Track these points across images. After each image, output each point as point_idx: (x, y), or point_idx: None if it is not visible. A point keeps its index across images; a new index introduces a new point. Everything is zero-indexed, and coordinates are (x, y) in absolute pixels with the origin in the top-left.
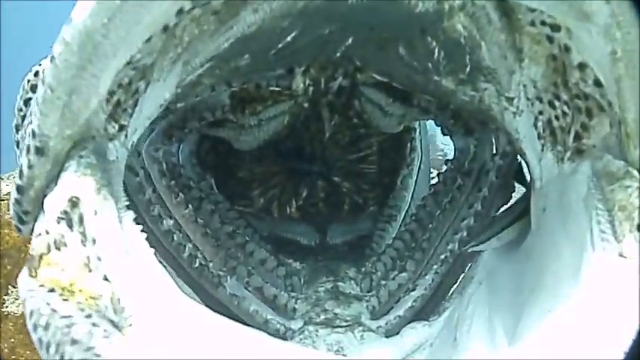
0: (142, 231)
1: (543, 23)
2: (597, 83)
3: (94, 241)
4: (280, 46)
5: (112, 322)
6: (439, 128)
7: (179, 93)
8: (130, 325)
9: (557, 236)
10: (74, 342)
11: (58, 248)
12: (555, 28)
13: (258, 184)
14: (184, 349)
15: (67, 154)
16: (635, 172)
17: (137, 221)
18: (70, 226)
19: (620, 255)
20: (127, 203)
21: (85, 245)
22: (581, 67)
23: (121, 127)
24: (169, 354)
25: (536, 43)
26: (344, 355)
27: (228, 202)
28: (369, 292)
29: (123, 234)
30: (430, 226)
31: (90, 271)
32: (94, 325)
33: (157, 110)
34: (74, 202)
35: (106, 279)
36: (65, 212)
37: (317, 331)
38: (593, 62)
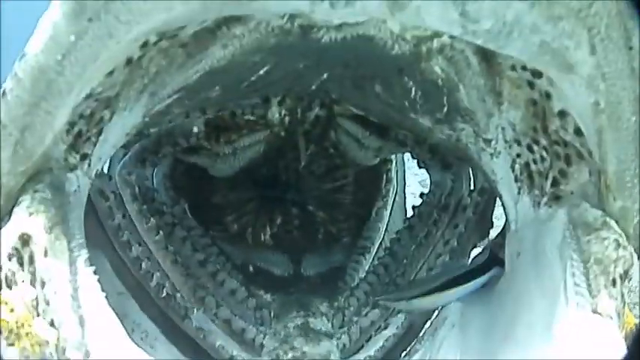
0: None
1: (524, 68)
2: (577, 132)
3: (43, 283)
4: (253, 79)
5: None
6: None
7: (147, 122)
8: None
9: (530, 284)
10: None
11: (9, 286)
12: (537, 74)
13: (232, 209)
14: None
15: (22, 188)
16: (613, 223)
17: (90, 261)
18: (21, 264)
19: (594, 311)
20: (81, 241)
21: (34, 286)
22: (562, 114)
23: (84, 156)
24: None
25: (517, 88)
26: None
27: (202, 227)
28: (340, 328)
29: (74, 277)
30: (405, 261)
31: (38, 315)
32: None
33: (124, 138)
34: (25, 240)
35: (52, 325)
36: (16, 249)
37: None
38: (574, 111)
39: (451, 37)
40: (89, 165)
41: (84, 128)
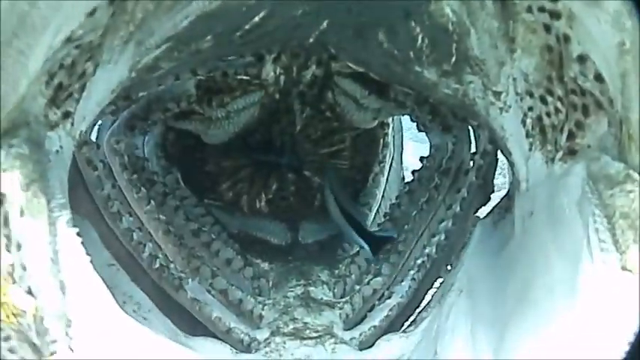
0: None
1: (541, 9)
2: (598, 78)
3: (19, 246)
4: (247, 27)
5: (33, 345)
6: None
7: (135, 78)
8: (53, 354)
9: (546, 244)
10: None
11: None
12: (555, 15)
13: (226, 177)
14: None
15: None
16: (637, 176)
17: (74, 223)
18: None
19: (624, 268)
20: (63, 201)
21: (9, 251)
22: (581, 59)
23: (66, 114)
24: None
25: (532, 32)
26: None
27: (195, 196)
28: (342, 297)
29: (53, 238)
30: (406, 226)
31: (14, 281)
32: (10, 351)
33: (109, 96)
34: None
35: (30, 292)
36: None
37: (284, 343)
38: (595, 54)
39: None
40: (72, 124)
41: (65, 81)
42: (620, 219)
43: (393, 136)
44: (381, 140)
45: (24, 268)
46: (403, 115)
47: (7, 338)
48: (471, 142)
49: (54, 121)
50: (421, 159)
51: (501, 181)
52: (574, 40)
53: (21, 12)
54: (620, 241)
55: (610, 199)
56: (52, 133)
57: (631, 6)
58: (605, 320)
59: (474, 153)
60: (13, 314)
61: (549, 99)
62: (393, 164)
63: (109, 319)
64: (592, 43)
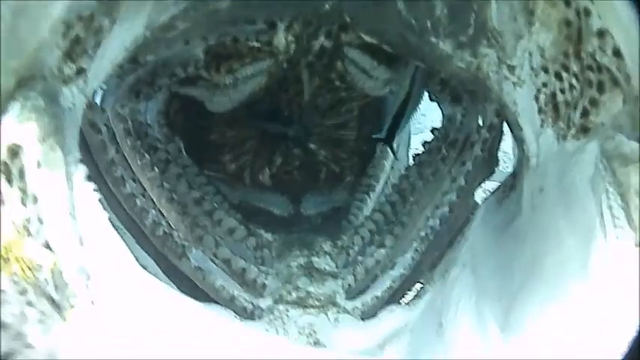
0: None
1: None
2: (616, 53)
3: (35, 199)
4: None
5: (51, 300)
6: None
7: (149, 37)
8: (72, 307)
9: (557, 220)
10: (3, 326)
11: None
12: None
13: (229, 148)
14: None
15: (12, 94)
16: None
17: (90, 179)
18: (10, 181)
19: (637, 245)
20: (78, 156)
21: (25, 204)
22: (601, 34)
23: (80, 71)
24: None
25: (552, 6)
26: (316, 339)
27: (197, 166)
28: (344, 268)
29: (71, 192)
30: (412, 198)
31: (29, 235)
32: (28, 304)
33: (122, 54)
34: (14, 152)
35: (47, 246)
36: (4, 164)
37: (287, 311)
38: (616, 28)
39: None
40: (85, 82)
41: (81, 34)
42: (634, 196)
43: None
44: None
45: (41, 222)
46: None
47: (24, 292)
48: (479, 114)
49: (68, 75)
50: (432, 130)
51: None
52: (594, 14)
53: None
54: (634, 218)
55: (624, 177)
56: (66, 89)
57: None
58: (618, 296)
59: (481, 126)
60: (29, 268)
61: (564, 75)
62: (402, 134)
63: (127, 274)
64: (613, 16)
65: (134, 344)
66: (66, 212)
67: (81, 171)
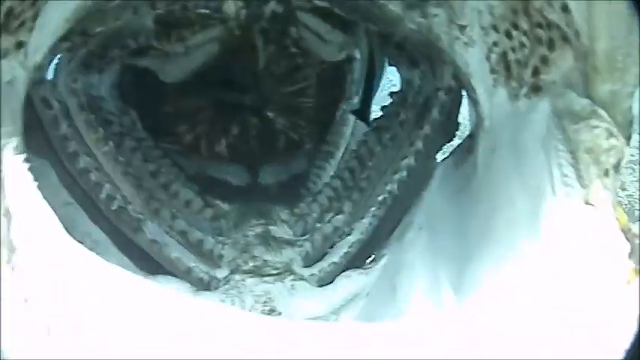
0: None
1: None
2: (564, 8)
3: None
4: None
5: None
6: None
7: (91, 6)
8: None
9: (509, 179)
10: None
11: None
12: None
13: (185, 119)
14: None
15: None
16: (602, 112)
17: (20, 150)
18: None
19: (587, 202)
20: (11, 129)
21: None
22: None
23: (19, 44)
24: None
25: None
26: (272, 306)
27: (153, 138)
28: (302, 235)
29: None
30: (370, 163)
31: None
32: None
33: (64, 25)
34: None
35: None
36: None
37: (244, 280)
38: None
39: None
40: (25, 55)
41: (17, 6)
42: (584, 154)
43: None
44: (349, 76)
45: None
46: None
47: None
48: (436, 77)
49: (5, 49)
50: (390, 94)
51: None
52: None
53: None
54: (583, 175)
55: (574, 135)
56: (5, 61)
57: None
58: (567, 254)
59: (438, 89)
60: None
61: (514, 33)
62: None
63: (53, 245)
64: None
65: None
66: None
67: (12, 142)
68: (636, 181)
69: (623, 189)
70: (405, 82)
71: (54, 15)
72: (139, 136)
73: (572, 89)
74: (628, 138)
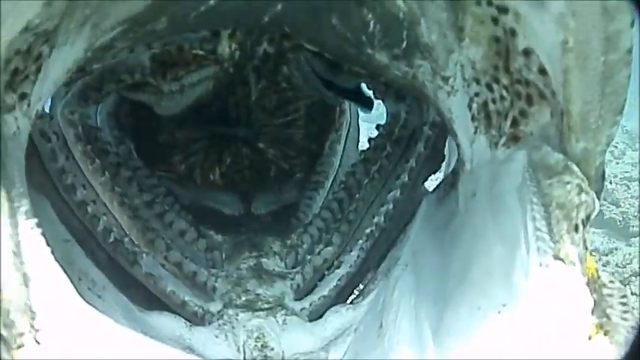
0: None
1: (490, 3)
2: (542, 71)
3: None
4: (202, 9)
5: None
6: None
7: (91, 57)
8: (20, 347)
9: (486, 226)
10: None
11: None
12: (502, 10)
13: (179, 149)
14: None
15: None
16: (575, 168)
17: (34, 208)
18: None
19: (556, 257)
20: (22, 190)
21: None
22: (527, 52)
23: (22, 96)
24: None
25: (480, 24)
26: (265, 342)
27: (148, 168)
28: (293, 268)
29: (15, 230)
30: (358, 195)
31: None
32: None
33: (65, 75)
34: None
35: None
36: None
37: (237, 315)
38: (540, 50)
39: None
40: (28, 105)
41: (21, 65)
42: (556, 209)
43: (350, 104)
44: (337, 108)
45: None
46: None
47: None
48: (423, 113)
49: (10, 104)
50: (377, 127)
51: None
52: (520, 35)
53: None
54: (554, 230)
55: (548, 189)
56: (9, 115)
57: (575, 7)
58: (535, 308)
59: (424, 123)
60: None
61: (495, 86)
62: (351, 130)
63: (68, 310)
64: (536, 39)
65: None
66: (10, 251)
67: (24, 205)
68: (631, 197)
69: (617, 206)
70: (392, 116)
71: (56, 67)
72: (135, 165)
73: (548, 143)
74: (599, 191)
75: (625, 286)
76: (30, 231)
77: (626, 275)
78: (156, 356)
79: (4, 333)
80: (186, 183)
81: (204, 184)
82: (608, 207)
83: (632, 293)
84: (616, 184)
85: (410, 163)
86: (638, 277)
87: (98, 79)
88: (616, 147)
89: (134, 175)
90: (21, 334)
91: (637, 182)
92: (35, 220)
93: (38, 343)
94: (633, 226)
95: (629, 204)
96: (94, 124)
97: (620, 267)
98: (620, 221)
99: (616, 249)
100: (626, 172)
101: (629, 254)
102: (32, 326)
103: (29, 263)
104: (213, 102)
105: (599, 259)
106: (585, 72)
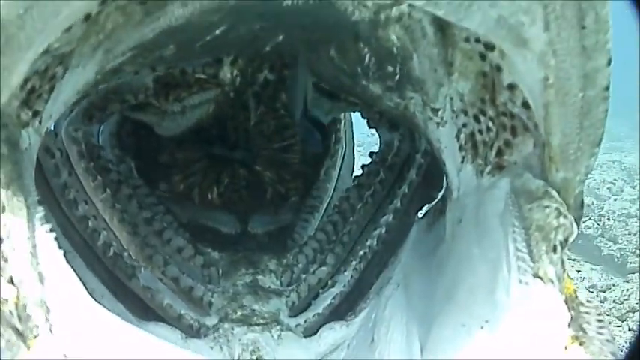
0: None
1: (477, 41)
2: (525, 105)
3: (0, 240)
4: (208, 38)
5: (16, 330)
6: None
7: (100, 79)
8: (36, 337)
9: (472, 249)
10: None
11: None
12: (489, 47)
13: (179, 169)
14: None
15: None
16: (554, 193)
17: (46, 219)
18: None
19: (536, 275)
20: (38, 198)
21: None
22: (511, 87)
23: (35, 113)
24: None
25: (468, 59)
26: (259, 355)
27: (148, 186)
28: (288, 285)
29: (32, 233)
30: (352, 219)
31: None
32: None
33: (75, 96)
34: None
35: (12, 282)
36: None
37: (232, 328)
38: (523, 85)
39: (410, 6)
40: (40, 122)
41: (37, 84)
42: (535, 231)
43: (345, 131)
44: (333, 135)
45: (6, 260)
46: (354, 112)
47: None
48: (415, 141)
49: (25, 121)
50: (370, 154)
51: None
52: (505, 70)
53: (9, 34)
54: (534, 251)
55: (528, 213)
56: (24, 132)
57: (556, 46)
58: (516, 322)
59: (416, 152)
60: None
61: (482, 118)
62: (345, 158)
63: (79, 306)
64: (520, 75)
65: None
66: (28, 252)
67: (40, 212)
68: (628, 234)
69: (615, 242)
70: (385, 144)
71: (67, 88)
72: (135, 183)
73: (531, 172)
74: (578, 219)
75: (622, 322)
76: (45, 235)
77: (624, 311)
78: (162, 346)
79: (20, 326)
80: (184, 202)
81: (202, 204)
82: (606, 243)
83: (629, 329)
84: (614, 220)
85: (402, 189)
86: (635, 313)
87: (103, 99)
88: (614, 184)
89: (134, 193)
90: (37, 326)
91: (635, 219)
92: (49, 225)
93: (52, 333)
94: (631, 263)
95: (627, 240)
96: (97, 142)
97: (617, 303)
98: (617, 258)
99: (613, 285)
100: (624, 208)
101: (627, 290)
102: (47, 319)
103: (44, 263)
104: (213, 125)
105: (597, 295)
106: (565, 107)
